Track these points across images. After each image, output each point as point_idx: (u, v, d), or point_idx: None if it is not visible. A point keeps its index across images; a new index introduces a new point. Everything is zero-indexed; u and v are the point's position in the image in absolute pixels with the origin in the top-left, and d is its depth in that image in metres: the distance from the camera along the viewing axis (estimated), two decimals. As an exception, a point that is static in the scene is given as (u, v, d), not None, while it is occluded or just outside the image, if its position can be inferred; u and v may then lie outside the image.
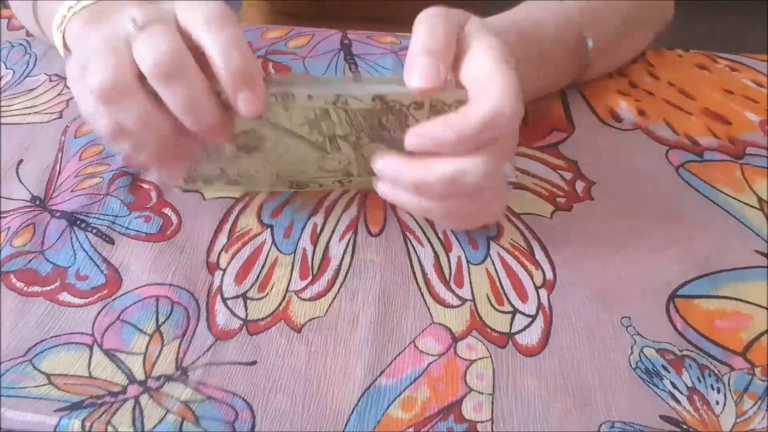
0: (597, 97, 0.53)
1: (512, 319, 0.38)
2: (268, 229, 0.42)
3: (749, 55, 0.58)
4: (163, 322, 0.37)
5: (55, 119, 0.50)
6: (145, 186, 0.45)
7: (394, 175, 0.35)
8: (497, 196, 0.38)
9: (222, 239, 0.42)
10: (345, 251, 0.41)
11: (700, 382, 0.36)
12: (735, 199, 0.45)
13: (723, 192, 0.46)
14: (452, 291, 0.39)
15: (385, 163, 0.35)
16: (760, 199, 0.45)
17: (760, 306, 0.39)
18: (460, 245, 0.42)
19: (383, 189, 0.37)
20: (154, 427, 0.33)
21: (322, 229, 0.42)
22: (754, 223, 0.44)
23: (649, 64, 0.56)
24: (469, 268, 0.41)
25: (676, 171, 0.47)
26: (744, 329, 0.38)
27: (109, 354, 0.36)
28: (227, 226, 0.42)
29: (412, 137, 0.34)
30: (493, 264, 0.41)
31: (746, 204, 0.45)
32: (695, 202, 0.45)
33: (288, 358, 0.36)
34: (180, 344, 0.36)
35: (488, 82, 0.34)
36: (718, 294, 0.40)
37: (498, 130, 0.34)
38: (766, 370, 0.36)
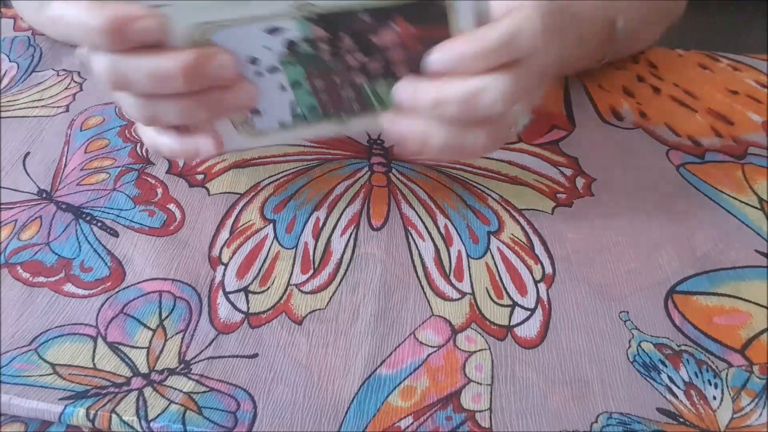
0: (600, 95, 0.53)
1: (511, 313, 0.38)
2: (270, 224, 0.43)
3: (750, 54, 0.58)
4: (166, 317, 0.38)
5: (61, 113, 0.51)
6: (151, 181, 0.45)
7: (412, 95, 0.34)
8: (502, 129, 0.37)
9: (224, 234, 0.42)
10: (346, 245, 0.42)
11: (697, 377, 0.36)
12: (735, 198, 0.45)
13: (723, 192, 0.46)
14: (452, 284, 0.40)
15: (404, 84, 0.35)
16: (760, 199, 0.45)
17: (760, 305, 0.39)
18: (461, 239, 0.42)
19: (389, 118, 0.36)
20: (158, 416, 0.33)
21: (324, 224, 0.43)
22: (754, 222, 0.44)
23: (651, 65, 0.56)
24: (469, 262, 0.41)
25: (676, 170, 0.47)
26: (743, 327, 0.38)
27: (113, 347, 0.36)
28: (230, 222, 0.43)
29: (438, 53, 0.33)
30: (493, 258, 0.41)
31: (747, 204, 0.45)
32: (695, 201, 0.45)
33: (289, 350, 0.37)
34: (183, 338, 0.37)
35: (514, 9, 0.33)
36: (717, 291, 0.40)
37: (518, 51, 0.33)
38: (764, 368, 0.36)
